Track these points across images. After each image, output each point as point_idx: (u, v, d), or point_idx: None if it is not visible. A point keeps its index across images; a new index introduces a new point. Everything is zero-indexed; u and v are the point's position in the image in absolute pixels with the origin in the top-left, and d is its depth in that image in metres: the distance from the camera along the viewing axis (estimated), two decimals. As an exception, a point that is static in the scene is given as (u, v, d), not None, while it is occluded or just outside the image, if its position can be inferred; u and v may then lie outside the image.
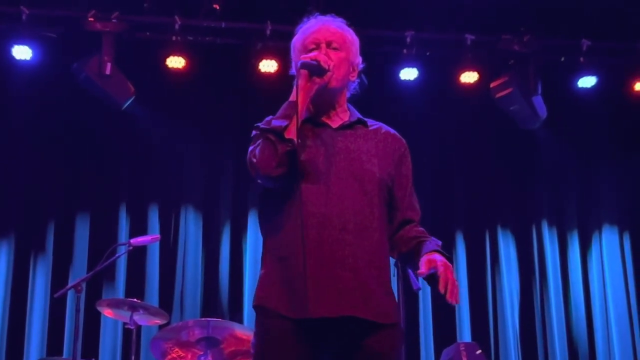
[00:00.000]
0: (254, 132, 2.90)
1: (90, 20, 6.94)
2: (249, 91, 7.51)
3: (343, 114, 3.00)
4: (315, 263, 2.71)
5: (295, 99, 2.80)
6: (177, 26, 7.08)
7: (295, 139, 2.74)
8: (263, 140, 2.77)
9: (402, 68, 7.35)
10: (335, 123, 2.96)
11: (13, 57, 6.99)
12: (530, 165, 8.14)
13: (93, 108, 7.27)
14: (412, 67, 7.33)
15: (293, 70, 2.98)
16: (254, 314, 2.84)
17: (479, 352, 5.87)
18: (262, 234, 2.96)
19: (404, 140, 3.06)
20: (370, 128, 3.01)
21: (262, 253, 2.92)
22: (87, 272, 6.31)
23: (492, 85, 7.47)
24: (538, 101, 7.44)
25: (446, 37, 7.47)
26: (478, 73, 7.40)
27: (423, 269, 2.72)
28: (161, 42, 7.19)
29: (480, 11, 7.36)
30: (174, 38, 7.11)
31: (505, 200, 8.04)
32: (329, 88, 2.89)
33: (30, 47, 6.94)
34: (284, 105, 2.84)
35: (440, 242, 2.88)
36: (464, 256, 7.79)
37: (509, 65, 7.47)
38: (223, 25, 7.20)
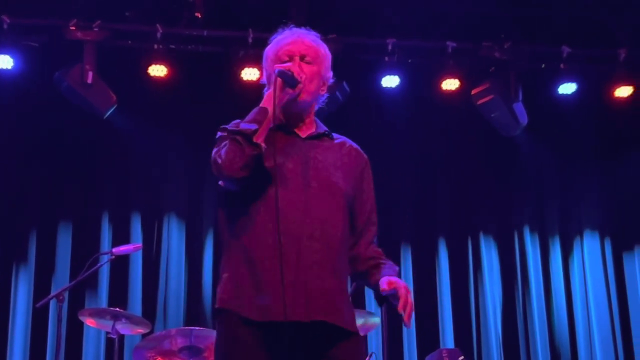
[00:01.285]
0: (219, 134, 2.92)
1: (72, 29, 6.92)
2: (231, 99, 7.46)
3: (310, 126, 3.01)
4: (287, 268, 2.72)
5: (266, 106, 2.81)
6: (159, 34, 7.07)
7: (263, 145, 2.75)
8: (230, 142, 2.77)
9: (384, 75, 7.34)
10: (303, 134, 2.98)
11: (-6, 67, 6.97)
12: (511, 171, 8.17)
13: (75, 117, 7.25)
14: (394, 74, 7.33)
15: (264, 79, 3.02)
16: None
17: (461, 358, 5.88)
18: (225, 236, 2.92)
19: (365, 156, 3.09)
20: (335, 141, 3.03)
21: (225, 255, 2.90)
22: (70, 282, 6.30)
23: (473, 92, 7.48)
24: (519, 108, 7.47)
25: (427, 44, 7.48)
26: (459, 80, 7.42)
27: (385, 286, 2.79)
28: (143, 51, 7.17)
29: (461, 18, 7.41)
30: (156, 46, 7.09)
31: (487, 206, 8.07)
32: (299, 101, 2.91)
33: (12, 56, 6.91)
34: (254, 110, 2.85)
35: (397, 268, 2.96)
36: (447, 263, 7.81)
37: (489, 72, 7.51)
38: (205, 33, 7.19)
